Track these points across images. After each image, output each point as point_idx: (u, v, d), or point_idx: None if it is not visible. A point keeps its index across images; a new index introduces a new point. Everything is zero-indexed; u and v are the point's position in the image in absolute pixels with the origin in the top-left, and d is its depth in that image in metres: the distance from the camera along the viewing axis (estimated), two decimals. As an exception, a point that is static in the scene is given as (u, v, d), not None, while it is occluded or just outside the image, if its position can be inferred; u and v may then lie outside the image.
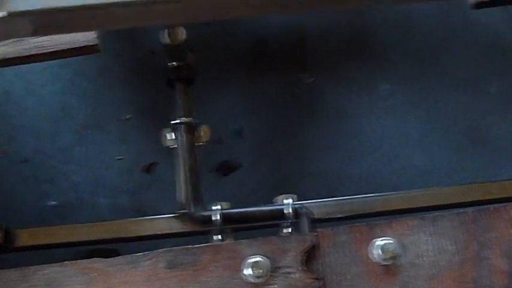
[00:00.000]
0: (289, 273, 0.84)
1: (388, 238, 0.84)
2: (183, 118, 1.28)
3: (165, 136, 1.28)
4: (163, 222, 1.23)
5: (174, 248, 0.86)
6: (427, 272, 0.83)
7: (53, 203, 1.55)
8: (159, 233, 1.23)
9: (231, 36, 1.74)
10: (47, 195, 1.56)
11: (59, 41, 1.01)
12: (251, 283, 0.83)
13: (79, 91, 1.68)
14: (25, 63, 1.04)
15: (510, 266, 0.82)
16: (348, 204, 1.23)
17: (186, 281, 0.83)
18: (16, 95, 1.67)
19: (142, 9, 0.70)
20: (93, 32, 1.01)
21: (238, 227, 1.19)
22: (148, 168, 1.59)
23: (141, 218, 1.31)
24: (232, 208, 1.20)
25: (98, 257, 0.88)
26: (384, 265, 0.83)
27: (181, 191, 1.22)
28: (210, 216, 1.17)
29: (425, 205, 1.21)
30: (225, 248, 0.86)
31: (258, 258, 0.83)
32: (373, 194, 1.26)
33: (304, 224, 1.12)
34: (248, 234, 0.96)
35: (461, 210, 0.88)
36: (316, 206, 1.19)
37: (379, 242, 0.84)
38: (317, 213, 1.17)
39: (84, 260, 0.85)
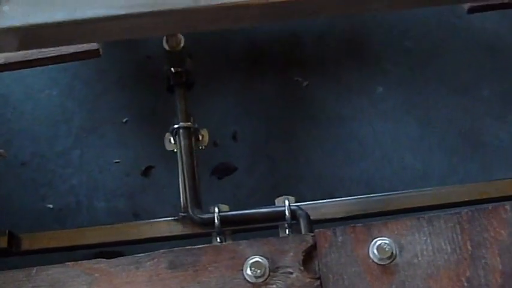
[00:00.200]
0: (288, 273, 0.85)
1: (385, 238, 0.85)
2: (183, 123, 1.29)
3: (168, 140, 1.29)
4: (164, 225, 1.25)
5: (176, 248, 0.87)
6: (423, 272, 0.84)
7: (51, 206, 1.55)
8: (160, 235, 1.25)
9: (228, 40, 1.75)
10: (44, 199, 1.56)
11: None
12: (251, 283, 0.84)
13: (77, 95, 1.69)
14: (27, 68, 1.05)
15: (505, 265, 0.83)
16: (344, 206, 1.24)
17: (187, 281, 0.84)
18: (14, 99, 1.68)
19: (126, 23, 0.71)
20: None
21: (238, 229, 1.20)
22: (145, 172, 1.59)
23: (142, 221, 1.33)
24: (230, 211, 1.21)
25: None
26: (381, 265, 0.84)
27: (182, 194, 1.23)
28: (209, 219, 1.19)
29: (421, 205, 1.22)
30: (225, 248, 0.87)
31: (257, 259, 0.85)
32: (369, 195, 1.28)
33: (303, 225, 1.13)
34: (247, 236, 0.97)
35: (457, 210, 0.90)
36: (314, 207, 1.21)
37: (377, 242, 0.85)
38: (315, 215, 1.18)
39: (87, 261, 0.85)
